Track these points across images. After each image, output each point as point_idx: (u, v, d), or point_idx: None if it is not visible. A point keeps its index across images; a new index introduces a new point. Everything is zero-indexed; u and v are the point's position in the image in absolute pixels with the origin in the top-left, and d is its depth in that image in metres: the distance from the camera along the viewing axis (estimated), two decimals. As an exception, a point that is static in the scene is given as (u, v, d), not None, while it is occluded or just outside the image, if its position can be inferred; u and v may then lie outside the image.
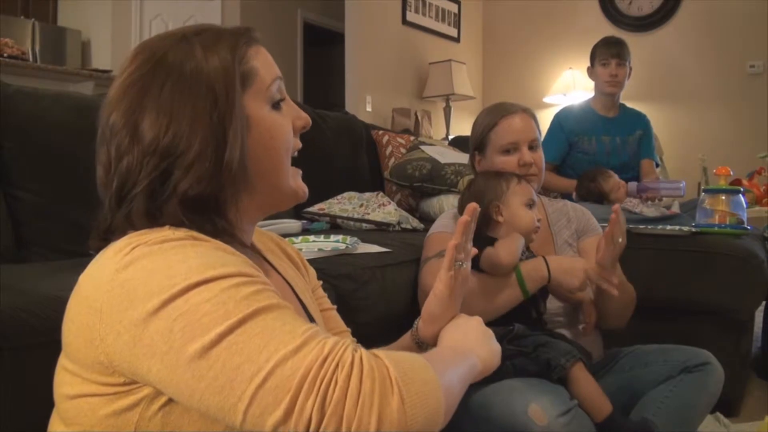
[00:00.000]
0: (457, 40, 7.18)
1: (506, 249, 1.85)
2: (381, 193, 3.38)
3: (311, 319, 1.22)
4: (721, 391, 1.89)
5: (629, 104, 3.89)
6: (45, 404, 0.99)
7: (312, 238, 2.52)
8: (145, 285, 0.85)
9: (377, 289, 2.17)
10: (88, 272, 0.94)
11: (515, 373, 1.73)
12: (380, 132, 4.13)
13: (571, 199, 3.00)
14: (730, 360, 2.20)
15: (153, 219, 0.97)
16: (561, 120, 3.82)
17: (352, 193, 3.31)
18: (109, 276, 0.88)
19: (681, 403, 1.81)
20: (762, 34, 5.83)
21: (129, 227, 0.98)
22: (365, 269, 2.19)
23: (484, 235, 1.90)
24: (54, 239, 2.17)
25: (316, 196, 3.18)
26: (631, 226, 2.73)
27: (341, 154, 3.69)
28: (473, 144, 2.20)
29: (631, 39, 3.91)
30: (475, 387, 1.75)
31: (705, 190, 2.86)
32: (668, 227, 2.73)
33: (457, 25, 7.18)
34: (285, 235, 2.51)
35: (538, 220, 1.97)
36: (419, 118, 6.32)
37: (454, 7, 7.11)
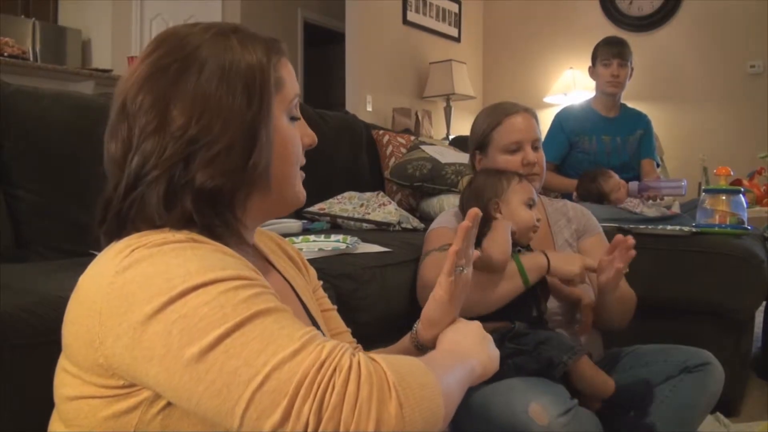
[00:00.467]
0: (457, 39, 7.17)
1: (495, 246, 1.84)
2: (381, 193, 3.38)
3: (312, 320, 1.22)
4: (722, 391, 1.88)
5: (630, 104, 3.89)
6: (45, 404, 0.99)
7: (312, 237, 2.52)
8: (144, 288, 0.85)
9: (377, 288, 2.17)
10: (87, 274, 0.94)
11: (516, 371, 1.73)
12: (381, 132, 4.13)
13: (571, 199, 3.00)
14: (730, 360, 2.20)
15: (167, 207, 0.97)
16: (561, 120, 3.82)
17: (353, 193, 3.31)
18: (109, 278, 0.88)
19: (681, 403, 1.81)
20: (762, 34, 5.83)
21: (133, 229, 0.98)
22: (365, 269, 2.19)
23: (482, 232, 1.90)
24: (54, 239, 2.17)
25: (317, 195, 3.18)
26: (631, 226, 2.73)
27: (341, 154, 3.68)
28: (474, 143, 2.19)
29: (631, 39, 3.91)
30: (475, 387, 1.75)
31: (705, 190, 2.86)
32: (669, 227, 2.73)
33: (458, 24, 7.18)
34: (285, 235, 2.51)
35: (538, 220, 1.97)
36: (420, 117, 6.32)
37: (454, 7, 7.11)
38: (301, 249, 2.24)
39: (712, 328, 2.60)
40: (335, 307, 1.46)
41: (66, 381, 0.94)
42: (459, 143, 4.35)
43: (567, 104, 4.32)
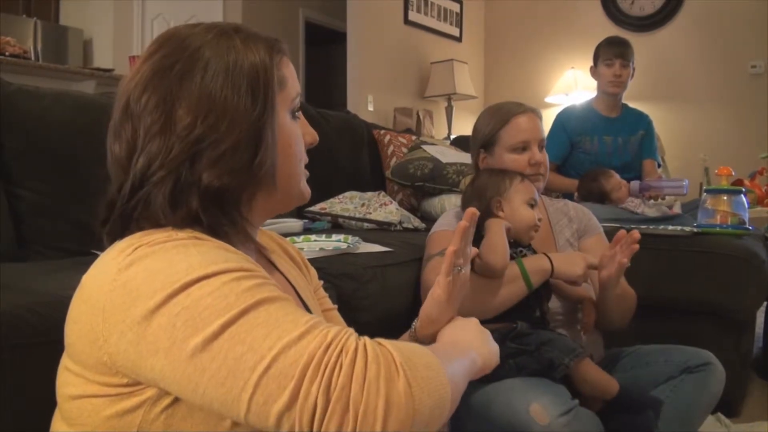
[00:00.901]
0: (459, 39, 7.17)
1: (492, 252, 1.84)
2: (382, 193, 3.38)
3: None
4: (722, 392, 1.88)
5: (631, 104, 3.89)
6: (46, 403, 0.99)
7: (313, 237, 2.52)
8: (147, 283, 0.85)
9: (378, 288, 2.17)
10: (90, 273, 0.94)
11: (517, 371, 1.73)
12: (382, 131, 4.13)
13: (572, 199, 2.99)
14: (731, 360, 2.20)
15: (174, 206, 0.97)
16: (563, 120, 3.81)
17: (354, 193, 3.31)
18: (112, 276, 0.88)
19: (682, 404, 1.81)
20: (764, 35, 5.82)
21: (136, 228, 0.98)
22: (366, 269, 2.19)
23: (480, 233, 1.90)
24: (55, 238, 2.17)
25: (318, 195, 3.17)
26: (633, 226, 2.73)
27: (343, 154, 3.69)
28: (480, 142, 2.18)
29: (633, 39, 3.90)
30: (476, 386, 1.76)
31: (707, 191, 2.85)
32: (670, 227, 2.73)
33: (459, 24, 7.18)
34: (286, 235, 2.51)
35: (539, 219, 1.98)
36: (421, 117, 6.32)
37: (456, 7, 7.10)
38: (302, 249, 2.24)
39: (713, 328, 2.60)
40: (336, 306, 1.46)
41: (69, 380, 0.94)
42: (460, 143, 4.35)
43: (568, 104, 4.32)
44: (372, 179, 3.83)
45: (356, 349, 0.80)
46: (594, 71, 3.81)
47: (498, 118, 2.14)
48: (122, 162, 1.01)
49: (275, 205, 1.12)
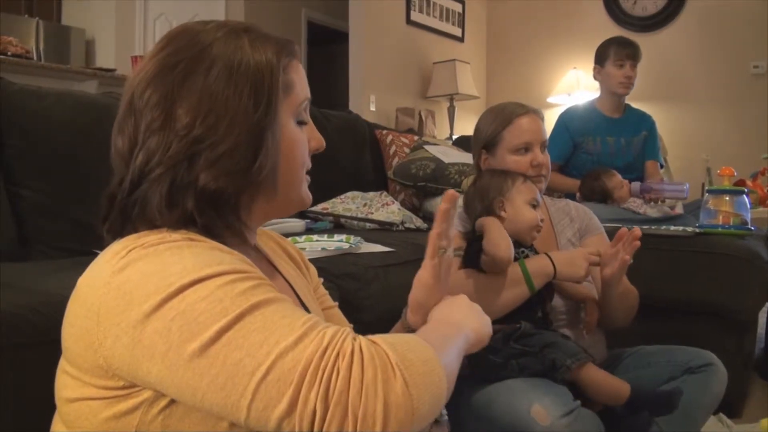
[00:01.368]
0: (461, 39, 7.17)
1: (496, 245, 1.84)
2: (384, 193, 3.38)
3: None
4: (724, 392, 1.88)
5: (633, 104, 3.88)
6: (46, 403, 0.99)
7: (315, 237, 2.52)
8: (142, 286, 0.85)
9: (380, 288, 2.17)
10: (85, 275, 0.94)
11: (520, 372, 1.73)
12: (384, 131, 4.13)
13: (574, 199, 2.99)
14: (733, 361, 2.20)
15: (169, 206, 0.97)
16: (566, 120, 3.80)
17: (356, 193, 3.31)
18: (106, 279, 0.88)
19: (684, 405, 1.81)
20: (765, 35, 5.81)
21: (132, 230, 0.98)
22: (368, 269, 2.19)
23: (478, 233, 1.91)
24: (56, 237, 2.17)
25: (320, 195, 3.18)
26: (635, 226, 2.72)
27: (345, 154, 3.69)
28: (482, 142, 2.18)
29: (635, 39, 3.89)
30: (478, 386, 1.76)
31: (709, 191, 2.85)
32: (672, 228, 2.73)
33: (462, 24, 7.18)
34: (288, 235, 2.51)
35: (541, 220, 1.97)
36: (423, 117, 6.32)
37: (458, 7, 7.10)
38: (304, 248, 2.24)
39: (715, 328, 2.60)
40: (336, 304, 1.46)
41: (66, 383, 0.94)
42: (462, 143, 4.35)
43: (571, 104, 4.30)
44: (374, 179, 3.83)
45: (353, 352, 0.80)
46: (599, 71, 3.75)
47: (500, 118, 2.14)
48: (124, 156, 1.01)
49: (274, 210, 1.12)
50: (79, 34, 7.34)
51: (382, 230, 3.04)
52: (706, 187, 3.83)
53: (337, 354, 0.79)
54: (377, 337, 0.85)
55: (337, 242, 2.42)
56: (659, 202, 3.37)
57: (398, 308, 2.21)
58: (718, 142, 5.95)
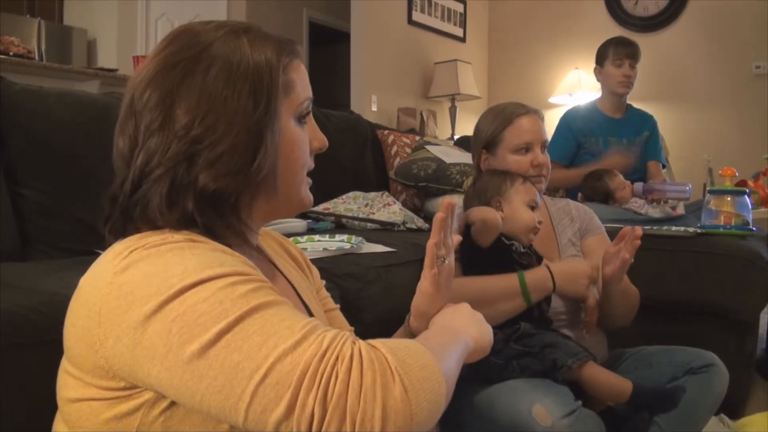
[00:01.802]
0: (462, 39, 7.17)
1: (480, 212, 1.89)
2: (386, 193, 3.38)
3: None
4: (726, 393, 1.88)
5: (634, 105, 3.88)
6: (48, 403, 0.99)
7: (317, 237, 2.52)
8: (143, 287, 0.85)
9: (382, 288, 2.17)
10: (87, 276, 0.94)
11: (521, 372, 1.73)
12: (385, 132, 4.13)
13: (576, 199, 2.99)
14: (734, 361, 2.20)
15: (169, 206, 0.97)
16: (569, 120, 3.80)
17: (357, 193, 3.31)
18: (108, 279, 0.88)
19: (685, 405, 1.81)
20: (767, 35, 5.81)
21: (134, 230, 0.98)
22: (370, 269, 2.19)
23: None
24: (58, 237, 2.17)
25: (321, 195, 3.18)
26: (636, 227, 2.72)
27: (346, 154, 3.68)
28: (482, 142, 2.18)
29: (636, 39, 3.88)
30: (479, 387, 1.76)
31: (710, 191, 2.85)
32: (673, 228, 2.73)
33: (463, 24, 7.17)
34: (290, 235, 2.52)
35: (539, 222, 1.97)
36: (424, 117, 6.32)
37: (459, 7, 7.10)
38: (305, 249, 2.24)
39: (717, 329, 2.59)
40: (338, 306, 1.46)
41: (68, 383, 0.94)
42: (464, 143, 4.35)
43: (572, 105, 4.31)
44: (375, 179, 3.83)
45: (352, 356, 0.80)
46: (599, 71, 3.78)
47: (501, 118, 2.14)
48: (125, 157, 1.01)
49: (275, 211, 1.12)
50: (81, 34, 7.35)
51: (383, 230, 3.04)
52: (708, 188, 3.82)
53: (336, 357, 0.79)
54: (377, 342, 0.85)
55: (339, 242, 2.42)
56: (661, 203, 3.37)
57: (399, 308, 2.21)
58: (720, 142, 5.94)
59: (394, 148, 3.97)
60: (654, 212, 3.22)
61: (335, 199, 3.25)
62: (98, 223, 1.03)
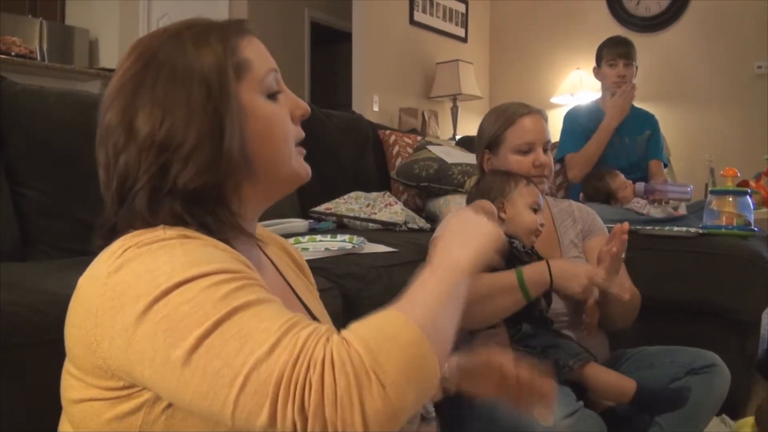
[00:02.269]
0: (464, 40, 7.17)
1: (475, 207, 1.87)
2: (388, 193, 3.38)
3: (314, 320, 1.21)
4: (727, 393, 1.88)
5: (636, 104, 3.88)
6: (49, 403, 0.99)
7: (319, 237, 2.52)
8: (133, 287, 0.85)
9: (383, 288, 2.17)
10: (84, 276, 0.95)
11: (521, 373, 1.73)
12: (387, 132, 4.13)
13: (577, 199, 2.99)
14: (735, 362, 2.20)
15: (153, 216, 0.97)
16: (574, 116, 3.82)
17: (359, 193, 3.31)
18: (103, 279, 0.88)
19: (687, 405, 1.81)
20: (770, 35, 5.81)
21: (130, 226, 0.98)
22: (371, 269, 2.19)
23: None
24: (59, 237, 2.17)
25: (323, 195, 3.18)
26: (638, 227, 2.73)
27: (348, 154, 3.68)
28: (485, 142, 2.18)
29: (638, 39, 3.90)
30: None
31: (712, 192, 2.85)
32: (675, 228, 2.73)
33: (465, 25, 7.17)
34: (292, 235, 2.52)
35: (541, 225, 1.97)
36: (426, 117, 6.32)
37: (461, 7, 7.10)
38: (307, 249, 2.25)
39: (718, 329, 2.59)
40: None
41: (71, 384, 0.94)
42: (466, 143, 4.35)
43: (575, 104, 4.31)
44: (377, 179, 3.83)
45: (324, 361, 0.77)
46: (597, 71, 3.82)
47: (503, 118, 2.14)
48: (107, 185, 1.03)
49: (268, 192, 1.11)
50: (83, 34, 7.35)
51: (385, 230, 3.04)
52: (709, 188, 3.82)
53: (308, 364, 0.77)
54: (351, 334, 0.82)
55: (340, 242, 2.42)
56: (663, 203, 3.37)
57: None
58: (722, 142, 5.93)
59: (396, 148, 3.97)
60: (656, 212, 3.22)
61: (337, 200, 3.25)
62: (95, 233, 1.04)
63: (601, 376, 1.75)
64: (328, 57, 9.03)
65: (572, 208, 2.27)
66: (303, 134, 1.14)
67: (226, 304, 0.82)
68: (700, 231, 2.66)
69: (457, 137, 5.85)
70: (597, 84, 3.97)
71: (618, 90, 3.65)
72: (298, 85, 7.29)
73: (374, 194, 3.31)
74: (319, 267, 2.02)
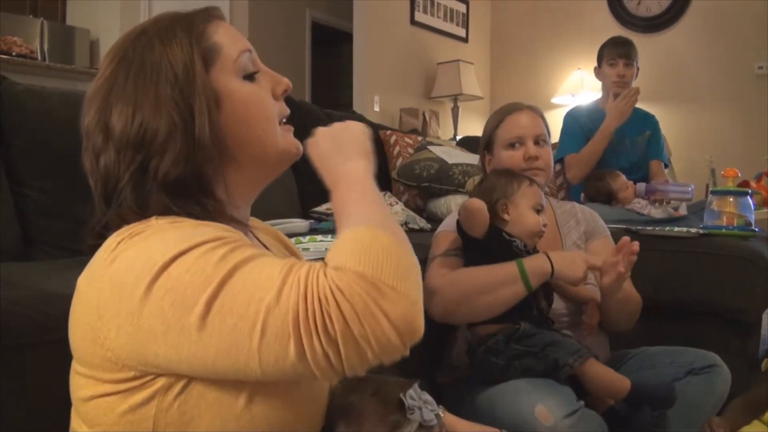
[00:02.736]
0: (465, 40, 7.17)
1: (466, 202, 1.88)
2: (388, 193, 3.39)
3: None
4: (728, 394, 1.88)
5: (637, 104, 3.88)
6: (47, 402, 1.00)
7: (320, 237, 2.52)
8: (131, 272, 0.87)
9: (383, 288, 2.16)
10: (83, 274, 0.96)
11: (522, 373, 1.73)
12: (388, 132, 4.13)
13: (579, 201, 2.99)
14: (736, 362, 2.20)
15: (143, 210, 0.98)
16: (574, 116, 3.82)
17: (360, 193, 3.30)
18: (100, 274, 0.90)
19: (687, 405, 1.81)
20: (770, 36, 5.81)
21: (122, 222, 0.99)
22: (371, 269, 2.19)
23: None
24: (61, 237, 2.17)
25: (323, 195, 3.17)
26: (639, 227, 2.72)
27: (348, 154, 3.67)
28: (483, 143, 2.21)
29: (639, 40, 3.90)
30: (481, 388, 1.76)
31: (713, 192, 2.85)
32: (676, 229, 2.73)
33: (465, 25, 7.17)
34: (292, 235, 2.51)
35: (544, 225, 1.97)
36: (427, 118, 6.32)
37: (462, 7, 7.10)
38: (307, 249, 2.24)
39: (719, 330, 2.59)
40: None
41: (80, 383, 0.95)
42: (466, 144, 4.35)
43: (575, 105, 4.31)
44: (378, 179, 3.80)
45: (332, 291, 0.80)
46: (598, 71, 3.83)
47: (496, 118, 2.17)
48: (94, 188, 1.05)
49: (255, 174, 1.12)
50: (84, 34, 7.34)
51: (385, 231, 3.03)
52: (710, 189, 3.82)
53: (320, 299, 0.80)
54: (335, 259, 0.86)
55: (341, 242, 2.41)
56: (664, 204, 3.36)
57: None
58: (722, 143, 5.94)
59: (397, 149, 3.97)
60: (656, 213, 3.21)
61: (337, 200, 3.24)
62: (86, 233, 1.05)
63: (598, 372, 1.75)
64: (329, 57, 9.03)
65: (575, 209, 2.27)
66: (287, 110, 1.15)
67: (225, 265, 0.84)
68: (701, 231, 2.65)
69: (458, 137, 5.85)
70: (598, 84, 3.98)
71: (619, 91, 3.65)
72: (298, 85, 7.28)
73: (375, 194, 3.30)
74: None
